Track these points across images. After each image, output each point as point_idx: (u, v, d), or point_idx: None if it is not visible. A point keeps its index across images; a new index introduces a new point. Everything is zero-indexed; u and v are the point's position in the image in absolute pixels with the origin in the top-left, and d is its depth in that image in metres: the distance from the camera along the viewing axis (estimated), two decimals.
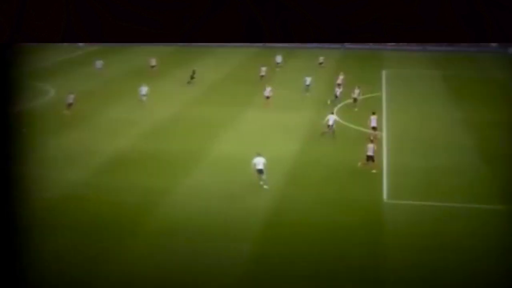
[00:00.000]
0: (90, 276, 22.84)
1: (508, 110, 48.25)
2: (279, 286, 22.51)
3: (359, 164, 34.50)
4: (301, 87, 53.40)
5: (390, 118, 45.14)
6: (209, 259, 24.15)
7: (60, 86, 54.75)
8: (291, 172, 34.37)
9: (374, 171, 33.93)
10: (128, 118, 45.07)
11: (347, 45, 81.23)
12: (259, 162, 31.97)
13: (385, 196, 30.90)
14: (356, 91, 48.19)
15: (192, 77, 57.32)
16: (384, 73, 63.80)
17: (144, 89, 48.42)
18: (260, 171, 31.91)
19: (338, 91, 49.53)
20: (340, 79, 52.16)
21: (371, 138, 36.54)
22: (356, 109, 46.78)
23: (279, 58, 64.93)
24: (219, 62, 69.01)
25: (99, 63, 61.55)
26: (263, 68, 58.41)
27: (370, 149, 34.25)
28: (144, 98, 47.92)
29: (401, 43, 79.72)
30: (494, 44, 79.09)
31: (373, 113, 40.93)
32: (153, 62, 61.24)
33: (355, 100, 47.75)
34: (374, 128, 40.17)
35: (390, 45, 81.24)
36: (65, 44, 64.28)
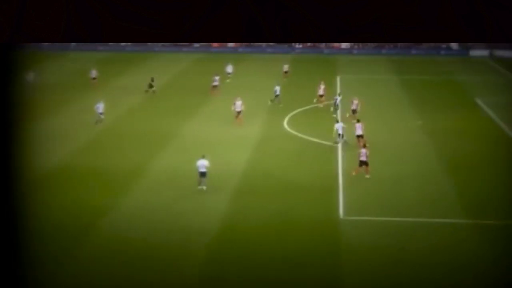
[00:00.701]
0: None
1: (470, 115, 49.35)
2: None
3: (353, 173, 35.15)
4: (269, 97, 52.86)
5: (346, 127, 44.95)
6: (150, 283, 23.93)
7: None
8: (238, 188, 33.87)
9: (367, 176, 34.61)
10: (63, 132, 44.56)
11: (297, 49, 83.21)
12: (202, 164, 32.92)
13: (341, 213, 30.59)
14: (355, 101, 47.38)
15: (150, 86, 56.62)
16: (339, 78, 64.45)
17: (100, 107, 46.72)
18: (202, 174, 32.75)
19: (338, 99, 49.43)
20: (322, 88, 52.05)
21: (364, 143, 36.95)
22: (354, 121, 45.11)
23: (229, 68, 64.27)
24: (162, 69, 68.84)
25: (30, 76, 60.90)
26: (216, 77, 57.29)
27: (363, 154, 34.97)
28: (102, 117, 46.54)
29: (355, 47, 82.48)
30: (455, 46, 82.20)
31: (358, 121, 41.56)
32: (94, 74, 60.86)
33: (354, 111, 46.86)
34: (360, 136, 40.45)
35: (344, 49, 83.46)
36: None
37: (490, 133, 44.92)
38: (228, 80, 62.19)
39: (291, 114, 49.67)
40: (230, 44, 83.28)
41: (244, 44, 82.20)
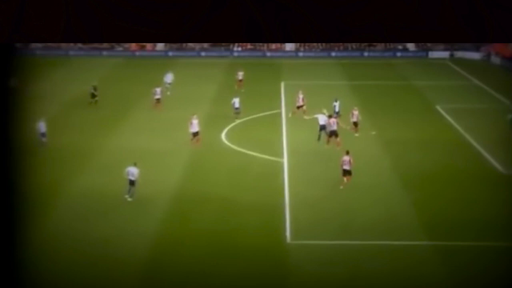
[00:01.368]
0: None
1: (430, 123, 49.80)
2: None
3: (341, 187, 35.34)
4: (219, 107, 52.57)
5: (291, 141, 45.03)
6: None
7: None
8: (168, 210, 33.38)
9: (341, 187, 35.17)
10: None
11: (236, 51, 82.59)
12: (133, 172, 33.36)
13: (288, 236, 30.34)
14: (355, 113, 46.95)
15: (93, 95, 54.53)
16: (283, 85, 64.14)
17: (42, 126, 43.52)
18: (132, 183, 33.23)
19: (336, 105, 49.14)
20: (301, 98, 51.07)
21: (347, 150, 36.52)
22: (356, 134, 45.86)
23: (169, 77, 60.83)
24: (81, 75, 66.37)
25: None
26: (157, 90, 54.51)
27: (346, 162, 35.28)
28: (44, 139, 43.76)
29: (301, 49, 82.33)
30: (412, 48, 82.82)
31: (330, 116, 43.24)
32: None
33: (355, 124, 46.54)
34: (333, 133, 42.30)
35: (289, 51, 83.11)
36: None
37: (452, 143, 45.21)
38: (168, 93, 58.46)
39: (230, 126, 49.10)
40: (159, 47, 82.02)
41: (174, 46, 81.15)
